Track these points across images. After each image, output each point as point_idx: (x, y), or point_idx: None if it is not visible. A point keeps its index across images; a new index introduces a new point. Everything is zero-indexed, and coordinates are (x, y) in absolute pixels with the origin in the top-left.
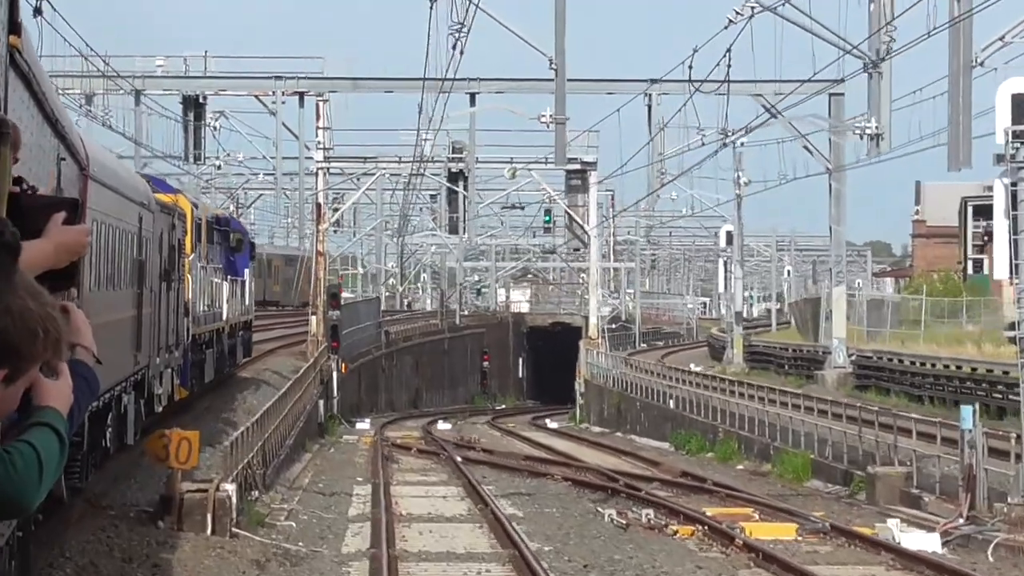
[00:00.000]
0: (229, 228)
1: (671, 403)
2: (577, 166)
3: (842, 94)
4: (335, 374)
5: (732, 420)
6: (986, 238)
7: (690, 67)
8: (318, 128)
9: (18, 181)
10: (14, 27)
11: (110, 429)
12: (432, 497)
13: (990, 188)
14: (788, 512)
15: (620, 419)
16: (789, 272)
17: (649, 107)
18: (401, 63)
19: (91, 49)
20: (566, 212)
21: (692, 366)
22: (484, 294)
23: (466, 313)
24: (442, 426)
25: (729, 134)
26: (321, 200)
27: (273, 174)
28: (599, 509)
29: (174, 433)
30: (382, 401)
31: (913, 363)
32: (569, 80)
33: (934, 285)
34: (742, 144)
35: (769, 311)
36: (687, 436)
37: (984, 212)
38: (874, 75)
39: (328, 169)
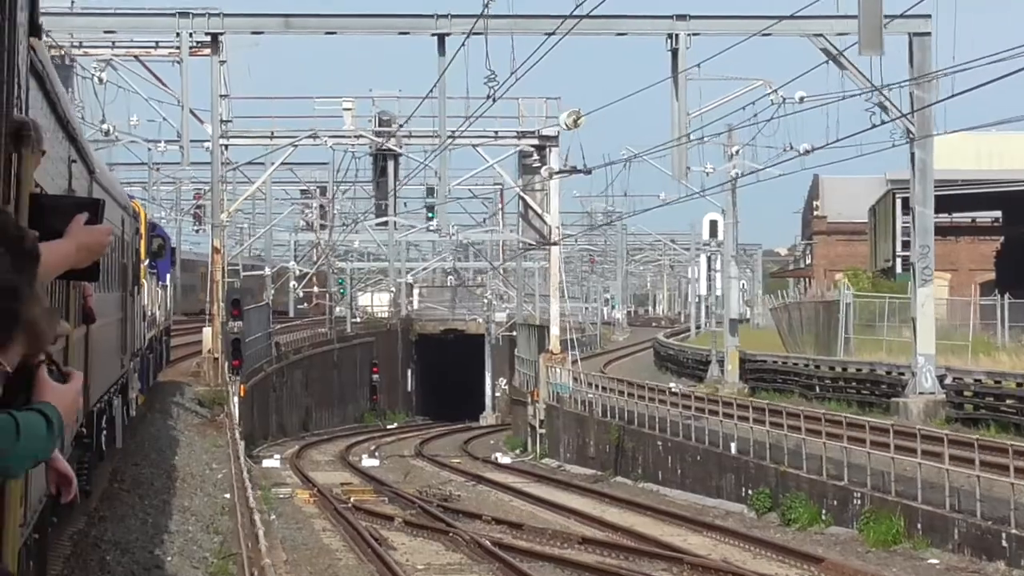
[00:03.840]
0: (153, 233)
1: (732, 447)
2: (534, 141)
3: (928, 33)
4: (236, 399)
5: (881, 482)
6: None
7: None
8: (217, 96)
9: None
10: (34, 29)
11: (104, 432)
12: None
13: (892, 182)
14: None
15: (622, 459)
16: (665, 275)
17: (674, 51)
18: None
19: None
20: (520, 198)
21: (673, 386)
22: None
23: (357, 320)
24: (368, 463)
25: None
26: (212, 187)
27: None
28: None
29: None
30: (273, 424)
31: None
32: (554, 16)
33: (860, 284)
34: (783, 100)
35: (632, 313)
36: (788, 500)
37: None
38: None
39: (227, 146)
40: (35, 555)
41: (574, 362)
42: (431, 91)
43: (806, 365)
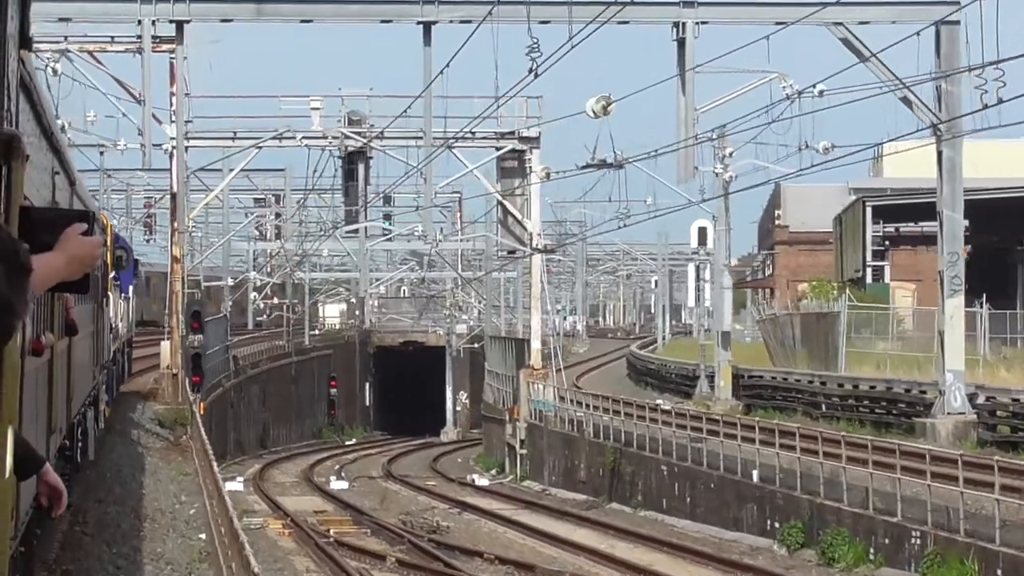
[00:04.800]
0: (117, 244)
1: (755, 474)
2: (513, 143)
3: (957, 22)
4: (198, 418)
5: (946, 518)
6: (887, 243)
7: None
8: (172, 94)
9: None
10: (25, 41)
11: (80, 443)
12: None
13: (856, 190)
14: None
15: (619, 484)
16: (621, 284)
17: (681, 42)
18: None
19: None
20: (499, 204)
21: (661, 403)
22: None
23: (316, 332)
24: (336, 485)
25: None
26: (177, 189)
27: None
28: None
29: None
30: (231, 441)
31: None
32: (549, 3)
33: (826, 294)
34: (808, 95)
35: (586, 324)
36: (829, 535)
37: (886, 214)
38: None
39: (187, 148)
40: (21, 568)
41: (557, 370)
42: (424, 91)
43: (810, 382)
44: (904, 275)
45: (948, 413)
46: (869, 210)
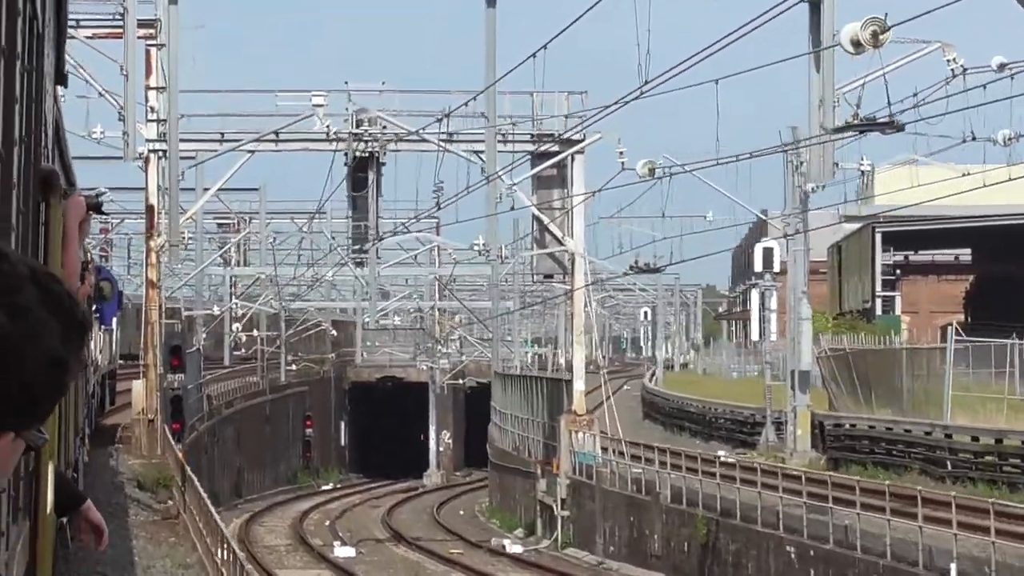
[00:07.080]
0: (99, 275)
1: (952, 569)
2: (552, 146)
3: None
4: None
5: None
6: (898, 271)
7: None
8: (148, 88)
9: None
10: (60, 77)
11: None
12: None
13: (848, 218)
14: None
15: (716, 565)
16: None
17: (815, 4)
18: None
19: None
20: (534, 219)
21: (723, 455)
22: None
23: (292, 368)
24: (342, 552)
25: None
26: (155, 202)
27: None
28: None
29: None
30: (205, 491)
31: None
32: None
33: (821, 326)
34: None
35: (544, 357)
36: None
37: (897, 241)
38: None
39: (166, 153)
40: None
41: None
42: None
43: (927, 433)
44: (902, 306)
45: None
46: (879, 237)
